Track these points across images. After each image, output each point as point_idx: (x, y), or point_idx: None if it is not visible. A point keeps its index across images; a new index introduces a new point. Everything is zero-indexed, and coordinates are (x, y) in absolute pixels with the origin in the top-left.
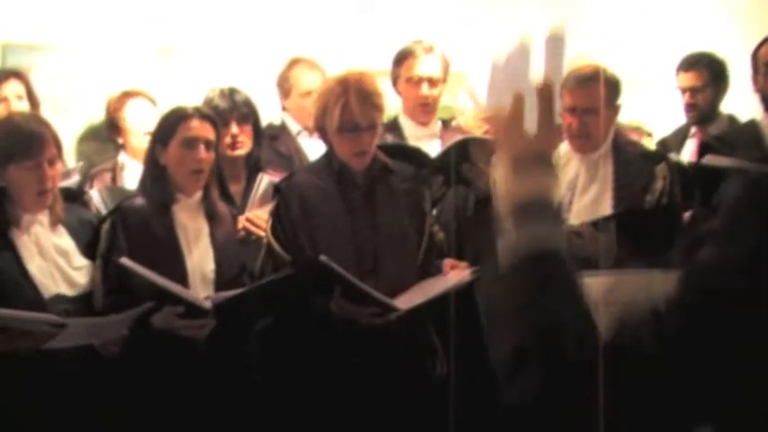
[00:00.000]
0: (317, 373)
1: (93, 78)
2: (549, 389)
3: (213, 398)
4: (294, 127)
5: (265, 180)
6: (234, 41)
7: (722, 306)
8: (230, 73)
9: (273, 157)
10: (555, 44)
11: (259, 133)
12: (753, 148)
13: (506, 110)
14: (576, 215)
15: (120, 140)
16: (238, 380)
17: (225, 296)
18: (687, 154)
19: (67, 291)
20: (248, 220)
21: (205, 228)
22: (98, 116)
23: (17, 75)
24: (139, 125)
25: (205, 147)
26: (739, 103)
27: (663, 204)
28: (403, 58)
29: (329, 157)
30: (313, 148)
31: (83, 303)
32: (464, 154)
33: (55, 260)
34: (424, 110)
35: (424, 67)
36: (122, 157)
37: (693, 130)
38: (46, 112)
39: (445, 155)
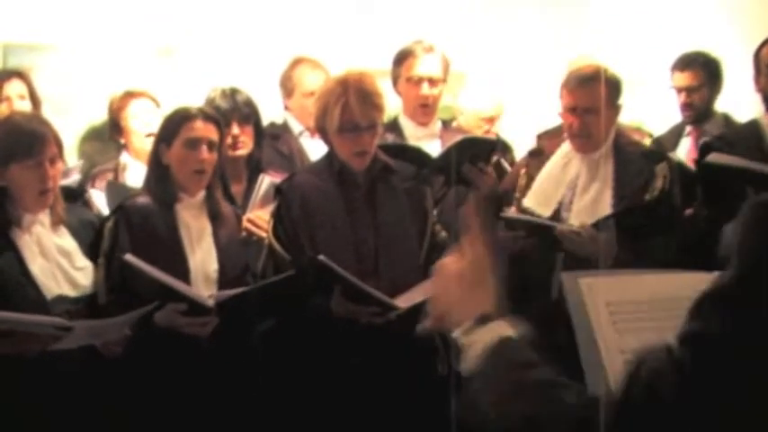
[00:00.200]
0: (318, 373)
1: (93, 78)
2: None
3: (215, 397)
4: (296, 127)
5: (266, 181)
6: (234, 41)
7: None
8: (230, 73)
9: (275, 158)
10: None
11: (260, 134)
12: (753, 148)
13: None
14: (577, 214)
15: (122, 140)
16: (240, 380)
17: (228, 294)
18: (682, 153)
19: (70, 291)
20: (249, 220)
21: (208, 227)
22: (99, 116)
23: (19, 75)
24: (141, 125)
25: (208, 148)
26: (734, 101)
27: (663, 203)
28: (403, 57)
29: (330, 157)
30: (315, 149)
31: (85, 304)
32: (465, 154)
33: (57, 261)
34: (424, 110)
35: (424, 66)
36: (124, 157)
37: (688, 129)
38: (46, 111)
39: (446, 155)
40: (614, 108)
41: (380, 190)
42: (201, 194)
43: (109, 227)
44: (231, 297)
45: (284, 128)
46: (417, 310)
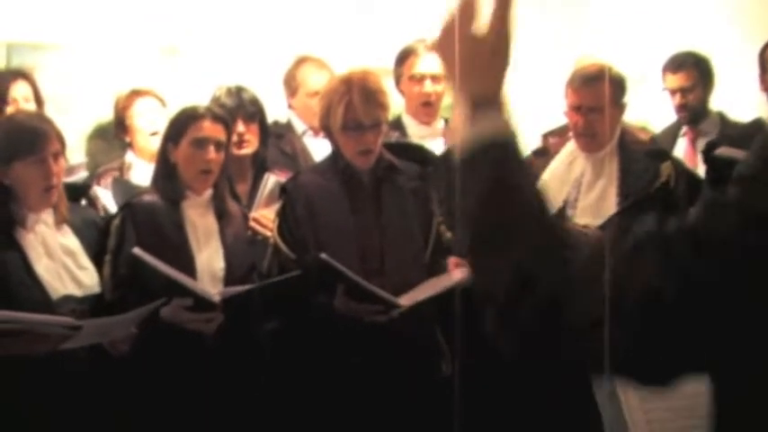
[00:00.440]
0: (322, 372)
1: (96, 78)
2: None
3: (219, 396)
4: (300, 126)
5: (272, 180)
6: (237, 40)
7: (738, 249)
8: (234, 72)
9: (278, 157)
10: None
11: (266, 132)
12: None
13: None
14: (582, 213)
15: (128, 139)
16: (245, 378)
17: (234, 291)
18: (679, 154)
19: (75, 291)
20: (254, 219)
21: (215, 226)
22: (102, 115)
23: (24, 76)
24: (147, 124)
25: (215, 148)
26: (729, 100)
27: (667, 200)
28: (405, 56)
29: (335, 156)
30: (318, 148)
31: (90, 303)
32: None
33: (62, 260)
34: (426, 108)
35: (426, 64)
36: (129, 157)
37: (684, 129)
38: (49, 111)
39: (449, 153)
40: (619, 107)
41: (385, 189)
42: (208, 193)
43: (116, 224)
44: (236, 294)
45: (288, 127)
46: (420, 309)
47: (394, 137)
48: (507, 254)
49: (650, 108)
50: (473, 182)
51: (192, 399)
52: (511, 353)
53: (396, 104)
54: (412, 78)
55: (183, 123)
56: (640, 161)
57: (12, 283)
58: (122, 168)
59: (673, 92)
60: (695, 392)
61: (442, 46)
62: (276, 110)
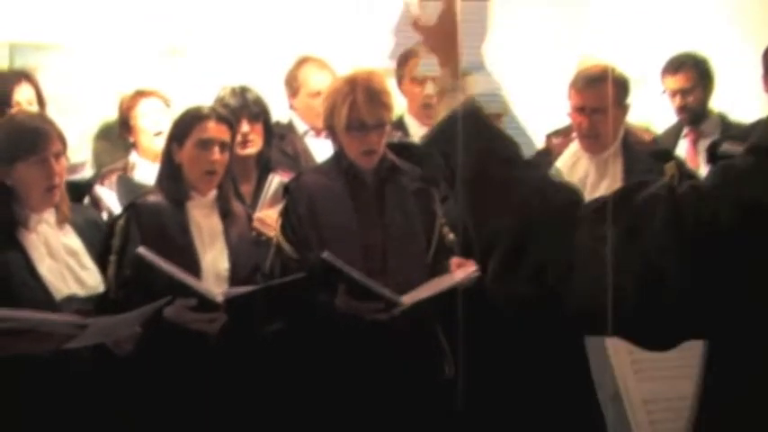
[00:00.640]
0: (324, 373)
1: (99, 78)
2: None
3: (222, 396)
4: (301, 126)
5: (276, 180)
6: (238, 41)
7: (749, 213)
8: (235, 72)
9: (280, 158)
10: None
11: (270, 132)
12: None
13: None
14: None
15: (132, 139)
16: (247, 379)
17: (237, 292)
18: (681, 154)
19: (79, 291)
20: (259, 220)
21: (219, 226)
22: (104, 115)
23: (28, 78)
24: (151, 125)
25: (220, 148)
26: (731, 101)
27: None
28: (407, 57)
29: (338, 156)
30: (320, 149)
31: (93, 303)
32: None
33: (65, 261)
34: (428, 109)
35: (427, 66)
36: (133, 157)
37: (685, 130)
38: (52, 111)
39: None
40: (622, 107)
41: (389, 190)
42: (213, 193)
43: (120, 225)
44: (240, 295)
45: (289, 128)
46: (421, 307)
47: (396, 137)
48: (505, 214)
49: (650, 109)
50: (479, 138)
51: (196, 398)
52: (509, 312)
53: (398, 105)
54: (413, 80)
55: (187, 124)
56: (644, 161)
57: (14, 283)
58: (126, 168)
59: (672, 93)
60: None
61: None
62: (277, 110)
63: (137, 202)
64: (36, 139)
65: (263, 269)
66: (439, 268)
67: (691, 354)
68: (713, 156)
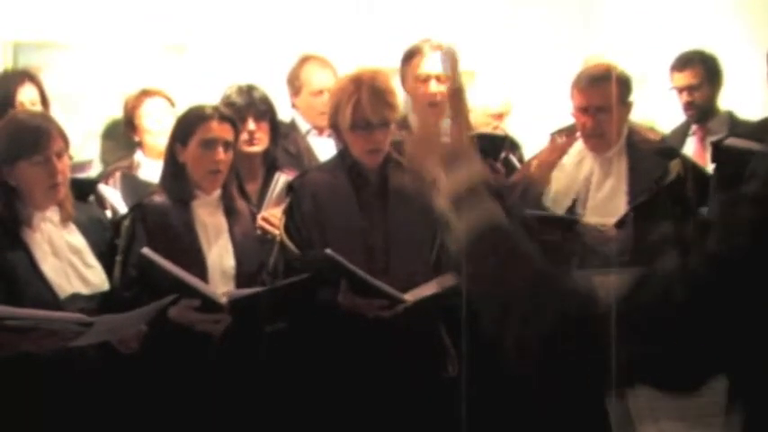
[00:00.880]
0: (327, 373)
1: (103, 76)
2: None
3: (226, 395)
4: (303, 125)
5: (282, 179)
6: (240, 39)
7: (755, 264)
8: (238, 70)
9: (282, 157)
10: (450, 58)
11: (277, 131)
12: None
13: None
14: (592, 212)
15: (137, 138)
16: (250, 379)
17: (242, 293)
18: (688, 152)
19: (82, 289)
20: (264, 219)
21: (224, 224)
22: (109, 114)
23: (31, 78)
24: (155, 124)
25: (224, 148)
26: (739, 100)
27: (676, 197)
28: (411, 56)
29: (342, 155)
30: (322, 147)
31: (97, 302)
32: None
33: (69, 259)
34: (432, 108)
35: (431, 64)
36: (138, 156)
37: (693, 128)
38: (56, 109)
39: None
40: (625, 105)
41: (393, 188)
42: (217, 192)
43: (125, 225)
44: (244, 296)
45: (291, 126)
46: (425, 305)
47: (400, 136)
48: (532, 323)
49: (652, 108)
50: (479, 267)
51: (200, 398)
52: (526, 373)
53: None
54: (417, 78)
55: (190, 124)
56: (649, 159)
57: (19, 282)
58: (131, 167)
59: (680, 90)
60: (707, 402)
61: (417, 157)
62: (280, 109)
63: (143, 202)
64: (37, 137)
65: (268, 268)
66: (442, 267)
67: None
68: (718, 151)
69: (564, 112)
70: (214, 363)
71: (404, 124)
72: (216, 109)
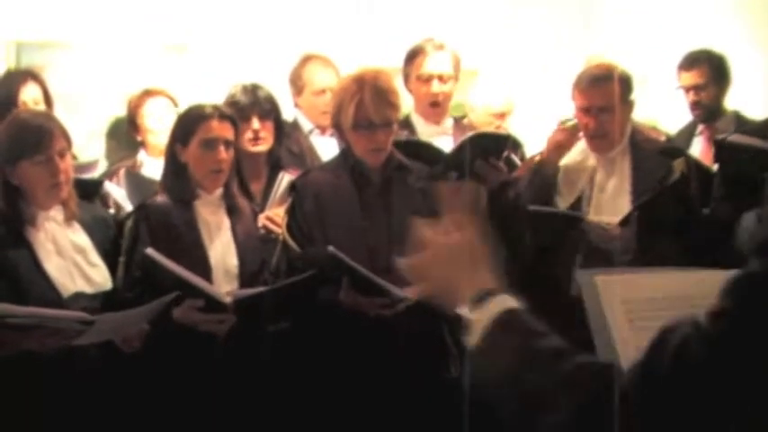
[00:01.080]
0: (329, 373)
1: (105, 76)
2: None
3: (228, 395)
4: (306, 125)
5: (286, 179)
6: (242, 39)
7: None
8: (240, 70)
9: (286, 157)
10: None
11: (281, 130)
12: None
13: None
14: (596, 210)
15: (140, 138)
16: (253, 379)
17: (245, 293)
18: (695, 152)
19: (86, 288)
20: (268, 218)
21: (226, 223)
22: (112, 113)
23: (34, 77)
24: (158, 124)
25: (225, 147)
26: (744, 99)
27: (680, 196)
28: (413, 55)
29: (345, 154)
30: (325, 147)
31: (101, 301)
32: (477, 150)
33: (73, 258)
34: (435, 107)
35: (433, 63)
36: (141, 155)
37: (700, 128)
38: (59, 109)
39: (458, 151)
40: (627, 104)
41: (395, 188)
42: (219, 191)
43: (129, 226)
44: (248, 296)
45: (294, 126)
46: (427, 304)
47: (403, 136)
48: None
49: (652, 108)
50: (499, 358)
51: (202, 398)
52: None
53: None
54: (420, 78)
55: (191, 124)
56: (652, 158)
57: (22, 281)
58: (135, 166)
59: (686, 89)
60: None
61: (423, 269)
62: (282, 109)
63: (146, 203)
64: (40, 137)
65: (270, 267)
66: None
67: (687, 304)
68: (721, 148)
69: (565, 112)
70: (218, 363)
71: (406, 124)
72: (216, 108)
